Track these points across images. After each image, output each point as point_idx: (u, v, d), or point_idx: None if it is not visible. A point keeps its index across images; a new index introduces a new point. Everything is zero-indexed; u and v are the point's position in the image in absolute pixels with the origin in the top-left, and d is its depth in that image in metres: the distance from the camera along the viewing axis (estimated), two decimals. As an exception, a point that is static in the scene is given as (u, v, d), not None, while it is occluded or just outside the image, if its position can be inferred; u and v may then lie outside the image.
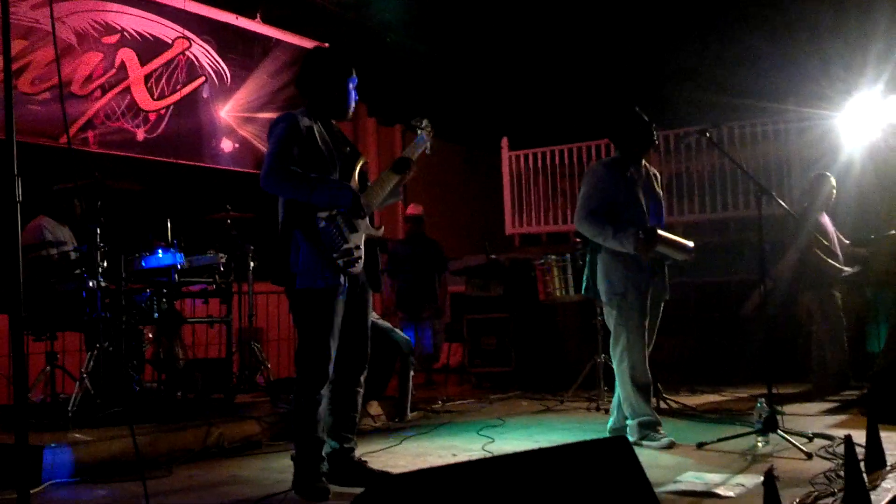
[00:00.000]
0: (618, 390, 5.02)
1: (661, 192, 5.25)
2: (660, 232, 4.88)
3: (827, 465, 4.07)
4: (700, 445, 4.75)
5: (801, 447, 4.42)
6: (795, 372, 7.24)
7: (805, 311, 7.05)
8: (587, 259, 5.13)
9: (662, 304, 5.17)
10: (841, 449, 3.77)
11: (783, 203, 5.41)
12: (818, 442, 4.65)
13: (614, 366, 5.03)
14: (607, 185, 4.98)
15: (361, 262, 3.96)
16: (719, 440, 4.77)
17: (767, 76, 9.66)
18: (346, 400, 4.09)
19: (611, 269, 4.96)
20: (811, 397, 6.61)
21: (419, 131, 4.30)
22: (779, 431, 4.66)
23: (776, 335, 7.54)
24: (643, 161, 5.18)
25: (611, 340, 5.06)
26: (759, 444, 4.70)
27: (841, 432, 3.94)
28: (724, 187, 10.04)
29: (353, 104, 4.18)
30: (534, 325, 8.19)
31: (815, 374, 6.91)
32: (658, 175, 5.31)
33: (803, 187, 7.52)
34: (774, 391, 4.91)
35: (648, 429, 4.91)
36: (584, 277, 5.15)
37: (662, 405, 6.32)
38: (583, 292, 5.23)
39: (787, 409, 5.67)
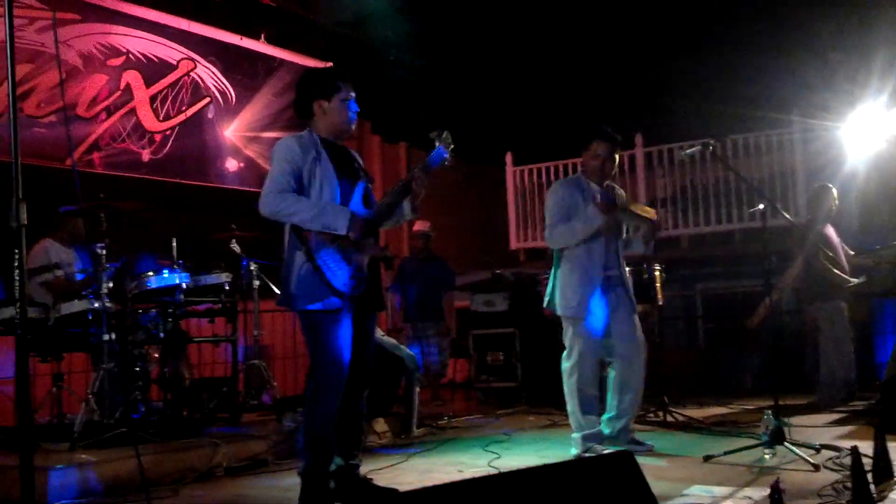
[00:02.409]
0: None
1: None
2: (618, 192, 5.10)
3: (834, 476, 4.04)
4: (707, 458, 4.73)
5: (809, 459, 4.40)
6: (802, 383, 7.21)
7: (811, 323, 7.03)
8: (551, 273, 5.27)
9: (635, 318, 5.22)
10: (848, 460, 3.75)
11: (787, 214, 5.42)
12: (825, 453, 4.62)
13: (564, 378, 5.14)
14: (567, 202, 5.14)
15: (364, 282, 3.96)
16: (726, 453, 4.75)
17: (772, 87, 9.66)
18: (350, 417, 4.09)
19: (567, 285, 5.11)
20: (818, 409, 6.59)
21: (437, 143, 4.21)
22: (786, 443, 4.64)
23: (782, 346, 7.55)
24: (606, 181, 5.27)
25: (564, 354, 5.16)
26: (766, 457, 4.68)
27: (848, 443, 3.93)
28: (728, 199, 10.04)
29: (350, 121, 4.16)
30: (539, 340, 8.18)
31: (821, 386, 6.88)
32: (623, 194, 5.43)
33: (807, 199, 7.53)
34: (781, 403, 4.90)
35: (591, 441, 5.03)
36: (548, 291, 5.27)
37: (668, 418, 6.31)
38: (545, 305, 5.32)
39: (794, 420, 5.65)
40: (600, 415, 5.18)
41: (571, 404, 5.11)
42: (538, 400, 7.73)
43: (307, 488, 3.90)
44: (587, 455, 4.90)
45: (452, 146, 4.23)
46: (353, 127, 4.23)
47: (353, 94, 4.14)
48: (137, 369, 5.53)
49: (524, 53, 10.99)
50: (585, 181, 5.23)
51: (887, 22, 8.28)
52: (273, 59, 9.92)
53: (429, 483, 4.02)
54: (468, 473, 4.69)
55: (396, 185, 4.18)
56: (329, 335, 3.89)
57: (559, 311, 5.17)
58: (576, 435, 5.10)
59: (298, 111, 4.17)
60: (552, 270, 5.28)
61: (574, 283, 5.07)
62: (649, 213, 5.21)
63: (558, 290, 5.16)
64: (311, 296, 3.85)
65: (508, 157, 11.66)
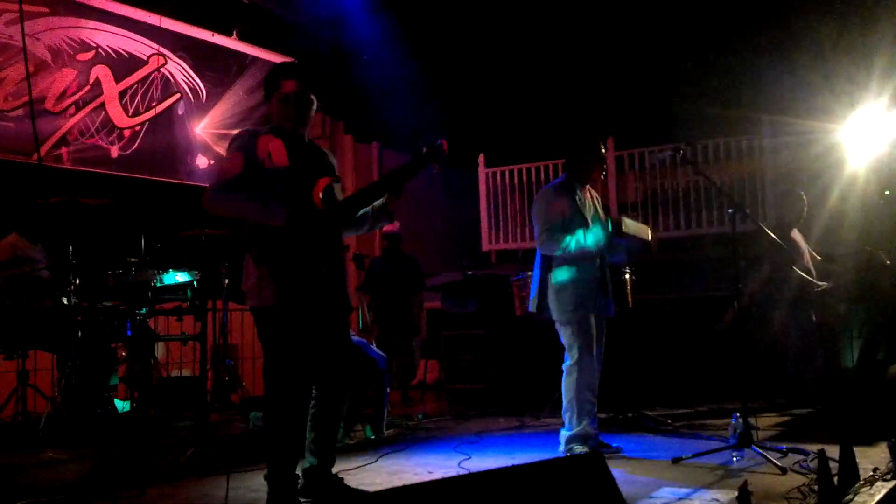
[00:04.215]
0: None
1: (604, 215, 5.41)
2: (624, 220, 5.13)
3: (801, 479, 4.08)
4: (675, 461, 4.76)
5: (776, 462, 4.44)
6: (770, 387, 7.27)
7: (779, 327, 7.10)
8: (538, 279, 5.25)
9: (604, 322, 5.30)
10: (815, 464, 3.79)
11: (756, 220, 5.46)
12: (792, 457, 4.66)
13: (563, 378, 5.16)
14: (559, 207, 5.14)
15: (315, 279, 3.87)
16: (694, 455, 4.78)
17: (771, 90, 9.70)
18: (326, 416, 4.05)
19: (562, 289, 5.11)
20: (786, 412, 6.65)
21: (425, 149, 4.05)
22: (753, 446, 4.69)
23: (751, 351, 7.60)
24: (587, 186, 5.34)
25: (565, 355, 5.18)
26: (734, 459, 4.73)
27: (815, 447, 3.96)
28: (698, 204, 10.12)
29: (300, 112, 3.98)
30: (510, 342, 8.19)
31: (789, 390, 6.95)
32: (599, 199, 5.49)
33: (776, 204, 7.59)
34: (749, 406, 4.93)
35: (578, 441, 5.07)
36: (534, 297, 5.26)
37: (640, 421, 6.34)
38: (531, 309, 5.32)
39: (762, 423, 5.70)
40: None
41: (567, 402, 5.11)
42: (508, 402, 7.73)
43: (273, 490, 3.86)
44: (567, 454, 4.93)
45: (446, 153, 4.09)
46: (299, 123, 4.03)
47: (296, 90, 3.97)
48: (104, 367, 5.46)
49: (497, 56, 11.00)
50: (574, 185, 5.25)
51: (887, 24, 8.31)
52: (245, 56, 9.85)
53: (399, 484, 4.01)
54: (438, 474, 4.69)
55: (369, 185, 4.12)
56: (278, 333, 3.83)
57: (554, 316, 5.17)
58: (566, 432, 5.12)
59: (267, 103, 4.12)
60: (537, 274, 5.25)
61: (571, 285, 5.08)
62: (645, 232, 5.26)
63: (552, 294, 5.14)
64: (256, 293, 3.80)
65: (481, 159, 11.66)
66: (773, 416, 6.45)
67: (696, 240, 10.18)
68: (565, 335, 5.16)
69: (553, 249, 5.11)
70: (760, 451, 4.62)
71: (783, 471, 4.34)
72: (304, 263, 3.83)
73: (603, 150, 5.33)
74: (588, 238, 5.04)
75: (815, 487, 3.67)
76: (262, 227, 3.79)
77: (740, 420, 4.78)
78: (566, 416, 5.15)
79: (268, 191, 3.82)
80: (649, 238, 5.34)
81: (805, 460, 4.50)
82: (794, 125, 8.81)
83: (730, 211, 5.18)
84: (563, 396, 5.16)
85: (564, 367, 5.17)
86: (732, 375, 6.71)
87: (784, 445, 4.89)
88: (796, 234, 7.04)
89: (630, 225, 5.21)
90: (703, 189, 9.99)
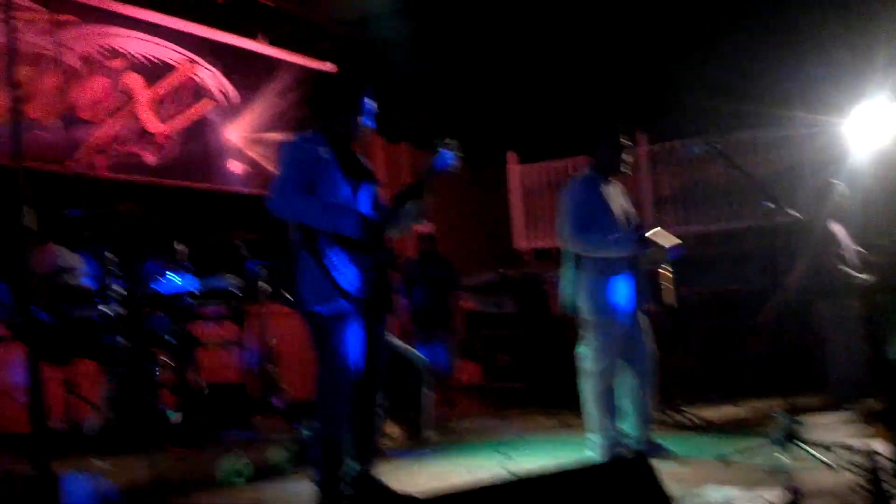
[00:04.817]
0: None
1: (632, 209, 5.37)
2: (654, 230, 5.04)
3: (849, 476, 4.03)
4: (720, 459, 4.71)
5: (823, 458, 4.38)
6: (813, 382, 7.18)
7: (820, 320, 7.00)
8: (566, 275, 5.17)
9: (643, 320, 5.20)
10: (863, 459, 3.73)
11: (793, 212, 5.38)
12: (839, 453, 4.59)
13: (584, 380, 5.08)
14: (588, 201, 5.08)
15: (371, 284, 3.93)
16: (738, 453, 4.72)
17: (777, 83, 9.63)
18: (365, 421, 4.07)
19: (589, 286, 5.03)
20: (830, 407, 6.55)
21: (440, 149, 4.16)
22: (799, 443, 4.62)
23: (792, 344, 7.52)
24: (613, 179, 5.28)
25: (582, 354, 5.10)
26: (780, 456, 4.66)
27: (861, 443, 3.91)
28: (734, 197, 10.00)
29: (364, 128, 4.16)
30: (548, 340, 8.15)
31: (832, 384, 6.85)
32: (627, 193, 5.43)
33: (812, 196, 7.47)
34: (792, 402, 4.87)
35: (612, 444, 4.96)
36: (564, 293, 5.18)
37: (680, 419, 6.29)
38: (562, 307, 5.25)
39: (808, 419, 5.64)
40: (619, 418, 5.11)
41: (593, 406, 5.02)
42: (548, 401, 7.69)
43: (322, 494, 3.88)
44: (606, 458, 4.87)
45: (460, 154, 4.18)
46: (361, 135, 4.21)
47: (375, 111, 4.14)
48: (149, 374, 5.51)
49: (526, 51, 10.97)
50: (599, 178, 5.19)
51: (890, 16, 8.24)
52: (274, 59, 9.90)
53: (441, 485, 4.01)
54: (481, 475, 4.67)
55: (403, 189, 4.15)
56: (336, 338, 3.88)
57: (583, 314, 5.08)
58: (595, 437, 5.02)
59: (315, 111, 4.16)
60: (566, 271, 5.18)
61: (599, 285, 4.99)
62: (671, 241, 5.18)
63: (582, 291, 5.06)
64: (318, 297, 3.84)
65: (511, 156, 11.62)
66: (818, 411, 6.37)
67: (732, 233, 10.08)
68: (588, 335, 5.08)
69: (577, 248, 5.06)
70: (807, 447, 4.56)
71: (831, 467, 4.28)
72: (364, 268, 3.88)
73: (624, 142, 5.20)
74: (613, 246, 4.96)
75: (866, 484, 3.61)
76: (318, 232, 3.83)
77: (785, 416, 4.71)
78: (592, 422, 5.05)
79: (324, 198, 3.89)
80: (676, 245, 5.21)
81: (853, 456, 4.43)
82: (828, 116, 8.69)
83: (765, 203, 5.11)
84: (585, 401, 5.07)
85: (582, 368, 5.09)
86: (773, 370, 6.66)
87: (830, 441, 4.82)
88: (835, 226, 6.93)
89: (656, 232, 5.12)
90: (738, 182, 9.88)
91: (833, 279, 6.76)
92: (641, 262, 5.19)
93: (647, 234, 5.01)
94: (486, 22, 10.56)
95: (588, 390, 5.04)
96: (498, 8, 10.40)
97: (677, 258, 5.29)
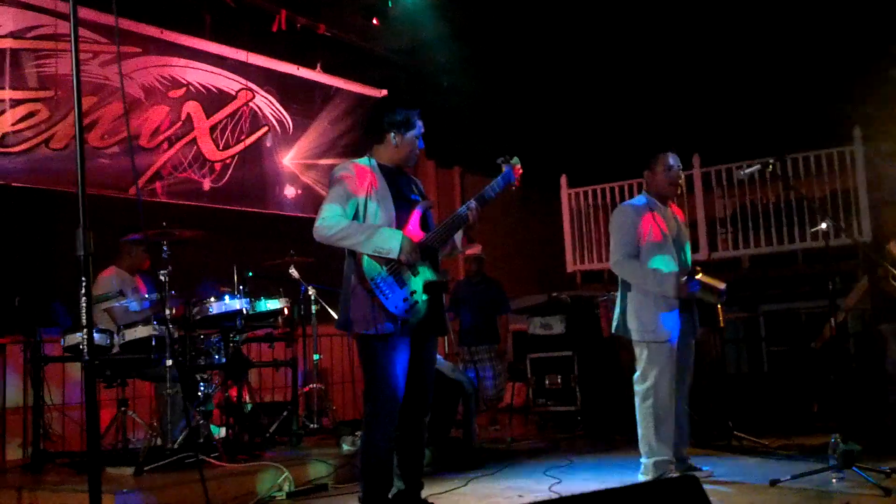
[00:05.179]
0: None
1: (686, 231, 5.34)
2: (698, 277, 4.93)
3: (906, 502, 3.94)
4: (773, 483, 4.63)
5: (879, 484, 4.28)
6: (868, 407, 7.01)
7: (879, 344, 6.84)
8: (619, 297, 5.16)
9: (693, 343, 5.18)
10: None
11: (847, 233, 5.29)
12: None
13: (637, 402, 5.02)
14: (638, 227, 5.05)
15: (420, 306, 3.97)
16: (793, 477, 4.64)
17: (832, 105, 9.49)
18: (411, 441, 4.10)
19: (642, 309, 5.01)
20: (888, 432, 6.38)
21: (503, 167, 4.19)
22: (855, 468, 4.52)
23: (850, 368, 7.36)
24: (667, 204, 5.25)
25: (636, 377, 5.06)
26: (834, 482, 4.56)
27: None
28: (789, 219, 9.85)
29: (416, 153, 4.22)
30: (598, 363, 8.10)
31: (892, 408, 6.68)
32: (682, 218, 5.39)
33: (873, 217, 7.33)
34: (850, 426, 4.76)
35: (663, 467, 4.89)
36: (616, 316, 5.16)
37: (733, 442, 6.19)
38: (612, 330, 5.23)
39: (864, 445, 5.50)
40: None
41: (646, 429, 4.96)
42: (597, 424, 7.64)
43: (368, 513, 3.91)
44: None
45: (521, 171, 4.22)
46: (415, 160, 4.29)
47: (422, 131, 4.20)
48: (200, 394, 5.61)
49: (579, 75, 10.98)
50: (653, 203, 5.18)
51: None
52: (329, 87, 10.08)
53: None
54: (528, 498, 4.66)
55: (451, 217, 4.18)
56: (383, 360, 3.91)
57: (634, 336, 5.05)
58: (646, 460, 4.96)
59: (370, 133, 4.22)
60: (619, 293, 5.16)
61: (651, 307, 4.96)
62: (719, 285, 5.12)
63: (632, 314, 5.04)
64: (365, 320, 3.88)
65: (563, 180, 11.62)
66: (875, 436, 6.21)
67: (787, 255, 9.92)
68: (641, 357, 5.03)
69: (627, 276, 5.05)
70: (863, 472, 4.46)
71: (887, 492, 4.18)
72: (408, 289, 3.92)
73: (675, 166, 5.18)
74: (654, 283, 4.93)
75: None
76: (368, 255, 3.87)
77: (840, 440, 4.61)
78: (643, 444, 4.99)
79: (372, 222, 3.95)
80: (721, 290, 5.17)
81: (911, 482, 4.33)
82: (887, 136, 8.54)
83: (822, 226, 5.03)
84: (639, 424, 5.01)
85: (637, 391, 5.04)
86: (829, 394, 6.53)
87: (888, 467, 4.71)
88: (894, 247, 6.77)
89: (704, 278, 5.06)
90: (794, 203, 9.74)
91: (891, 302, 6.61)
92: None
93: (697, 277, 4.95)
94: (539, 47, 10.61)
95: (642, 413, 5.00)
96: (550, 33, 10.44)
97: (722, 302, 5.26)
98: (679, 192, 5.27)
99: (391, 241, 3.87)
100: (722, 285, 5.10)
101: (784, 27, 9.98)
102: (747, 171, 5.44)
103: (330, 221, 3.90)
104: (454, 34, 10.09)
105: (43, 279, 6.93)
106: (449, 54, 10.39)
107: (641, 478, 4.97)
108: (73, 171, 3.10)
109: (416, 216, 4.07)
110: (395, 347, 3.92)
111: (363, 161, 4.11)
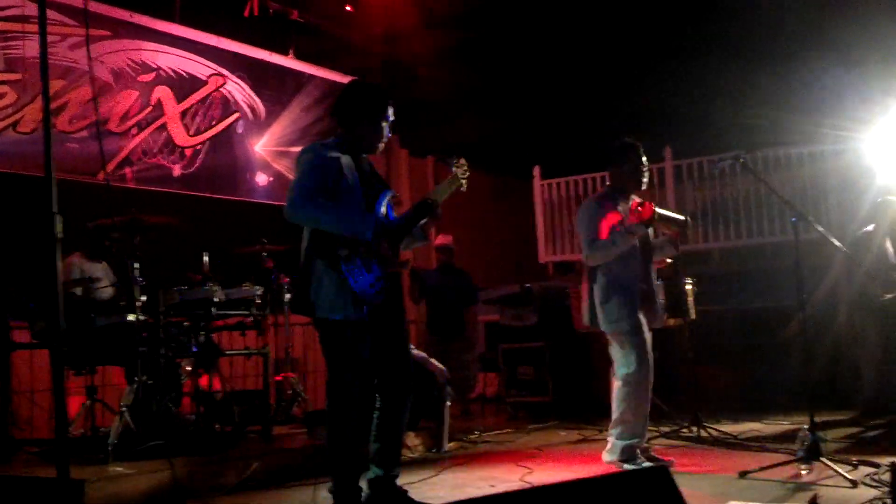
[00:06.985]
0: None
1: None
2: (655, 209, 5.01)
3: (873, 492, 3.98)
4: (742, 474, 4.67)
5: (846, 475, 4.33)
6: (838, 398, 7.10)
7: (852, 333, 6.90)
8: (587, 290, 5.21)
9: (652, 333, 5.21)
10: (887, 476, 3.69)
11: (820, 227, 5.32)
12: (863, 469, 4.54)
13: (620, 386, 5.06)
14: (602, 219, 5.08)
15: (385, 292, 3.94)
16: (761, 469, 4.68)
17: (804, 99, 9.57)
18: (390, 426, 4.08)
19: (606, 299, 5.07)
20: (855, 424, 6.47)
21: (453, 168, 4.22)
22: (822, 459, 4.57)
23: (816, 361, 7.43)
24: (630, 196, 5.28)
25: (616, 365, 5.11)
26: (803, 473, 4.61)
27: (886, 459, 3.86)
28: (759, 212, 9.95)
29: (384, 140, 4.19)
30: (570, 354, 8.13)
31: (861, 400, 6.76)
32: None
33: (868, 211, 7.30)
34: (817, 418, 4.82)
35: (629, 454, 4.96)
36: (587, 309, 5.21)
37: (702, 433, 6.24)
38: (586, 321, 5.27)
39: (832, 435, 5.57)
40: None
41: (627, 411, 5.00)
42: (569, 414, 7.68)
43: (335, 501, 3.89)
44: (625, 466, 4.88)
45: (468, 174, 4.23)
46: (382, 147, 4.26)
47: (392, 119, 4.17)
48: (170, 382, 5.55)
49: (552, 67, 11.00)
50: (617, 196, 5.22)
51: None
52: (302, 74, 9.99)
53: (462, 497, 4.00)
54: (501, 488, 4.67)
55: (415, 206, 4.17)
56: (347, 345, 3.89)
57: (603, 328, 5.10)
58: (620, 442, 5.01)
59: (340, 118, 4.17)
60: (589, 287, 5.20)
61: (616, 298, 5.02)
62: (678, 215, 5.22)
63: (597, 304, 5.10)
64: (331, 305, 3.85)
65: (536, 171, 11.64)
66: (842, 427, 6.29)
67: (757, 249, 10.01)
68: (618, 346, 5.08)
69: (597, 259, 5.07)
70: (830, 463, 4.51)
71: (854, 484, 4.23)
72: (377, 275, 3.90)
73: (639, 160, 5.21)
74: (633, 229, 4.97)
75: (888, 501, 3.58)
76: (333, 239, 3.84)
77: (808, 432, 4.66)
78: (618, 429, 5.04)
79: (344, 205, 3.92)
80: (682, 220, 5.24)
81: (876, 473, 4.38)
82: (856, 132, 8.61)
83: (793, 220, 5.07)
84: (617, 408, 5.06)
85: (620, 376, 5.07)
86: (798, 386, 6.58)
87: (855, 458, 4.77)
88: (887, 244, 6.76)
89: (661, 210, 5.15)
90: (764, 198, 9.82)
91: (862, 293, 6.67)
92: (659, 273, 5.22)
93: (654, 209, 4.98)
94: (512, 39, 10.61)
95: (621, 396, 5.03)
96: (524, 25, 10.44)
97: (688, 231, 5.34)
98: (643, 187, 5.30)
99: (364, 224, 3.84)
100: (682, 217, 5.19)
101: (751, 26, 10.06)
102: (719, 164, 5.48)
103: (301, 201, 3.86)
104: (429, 23, 10.05)
105: (9, 264, 6.81)
106: (423, 43, 10.35)
107: (606, 456, 5.06)
108: (40, 155, 3.05)
109: (381, 201, 4.05)
110: (359, 333, 3.90)
111: (330, 142, 4.08)
